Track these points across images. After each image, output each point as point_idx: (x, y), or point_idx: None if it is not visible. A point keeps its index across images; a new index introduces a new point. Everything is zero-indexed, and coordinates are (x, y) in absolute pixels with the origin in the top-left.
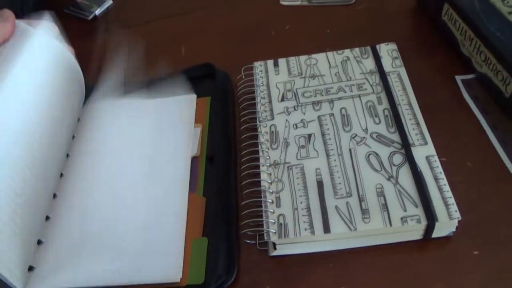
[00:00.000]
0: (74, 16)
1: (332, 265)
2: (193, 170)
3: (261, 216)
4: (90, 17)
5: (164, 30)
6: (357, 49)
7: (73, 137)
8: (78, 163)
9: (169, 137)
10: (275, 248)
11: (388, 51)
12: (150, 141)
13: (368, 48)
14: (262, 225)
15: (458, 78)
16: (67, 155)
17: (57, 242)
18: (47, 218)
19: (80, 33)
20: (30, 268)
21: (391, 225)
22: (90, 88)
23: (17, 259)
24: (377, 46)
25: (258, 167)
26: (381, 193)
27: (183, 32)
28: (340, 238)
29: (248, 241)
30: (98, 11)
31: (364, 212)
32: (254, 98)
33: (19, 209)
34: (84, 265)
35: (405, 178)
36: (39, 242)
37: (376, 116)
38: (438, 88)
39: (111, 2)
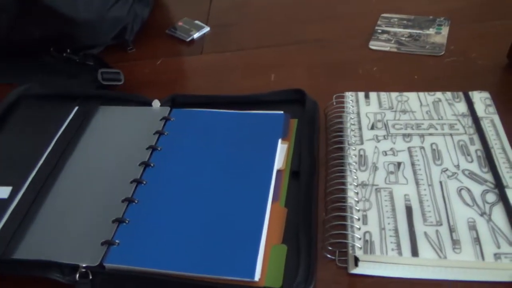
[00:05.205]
0: (174, 37)
1: None
2: (276, 182)
3: (343, 234)
4: (188, 39)
5: (256, 58)
6: (448, 93)
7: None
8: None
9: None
10: (356, 265)
11: (481, 98)
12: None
13: (460, 93)
14: (343, 243)
15: None
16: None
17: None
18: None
19: (177, 52)
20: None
21: (483, 259)
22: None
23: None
24: (470, 93)
25: (344, 187)
26: (473, 227)
27: (274, 63)
28: (427, 265)
29: (328, 256)
30: (196, 35)
31: (455, 242)
32: (342, 125)
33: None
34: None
35: (499, 216)
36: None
37: (468, 155)
38: None
39: (209, 29)
